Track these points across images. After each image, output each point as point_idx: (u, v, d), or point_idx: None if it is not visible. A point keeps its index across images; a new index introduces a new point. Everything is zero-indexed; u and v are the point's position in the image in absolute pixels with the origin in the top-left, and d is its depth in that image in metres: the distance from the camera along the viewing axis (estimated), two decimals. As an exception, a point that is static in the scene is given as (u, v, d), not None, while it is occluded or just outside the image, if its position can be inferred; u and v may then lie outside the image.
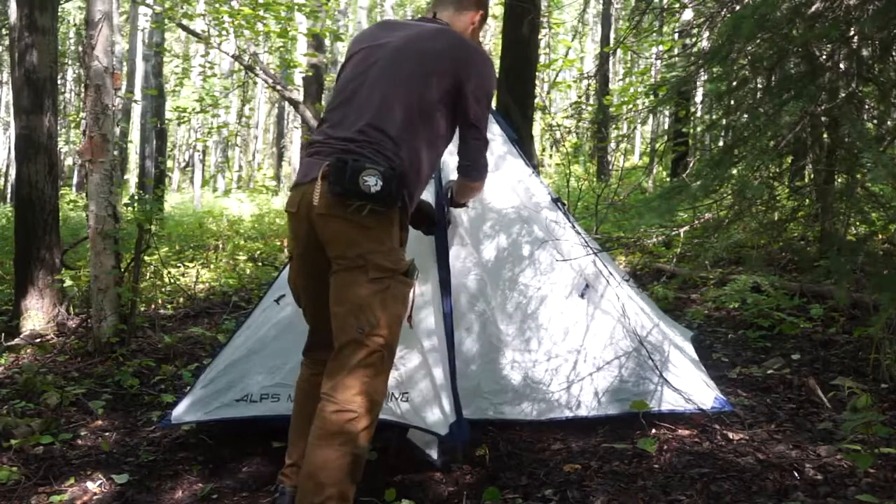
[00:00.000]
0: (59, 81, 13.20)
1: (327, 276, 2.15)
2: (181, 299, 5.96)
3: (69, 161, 21.85)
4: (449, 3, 2.42)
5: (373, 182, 2.00)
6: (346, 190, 2.01)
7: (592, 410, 2.87)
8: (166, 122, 12.77)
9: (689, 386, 2.96)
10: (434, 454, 2.58)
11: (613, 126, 9.67)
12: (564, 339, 2.97)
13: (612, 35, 13.47)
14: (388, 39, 2.27)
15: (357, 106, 2.17)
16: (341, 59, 20.14)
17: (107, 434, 3.19)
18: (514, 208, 3.13)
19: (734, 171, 2.27)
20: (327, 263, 2.14)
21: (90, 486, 2.69)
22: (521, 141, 3.84)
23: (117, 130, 5.12)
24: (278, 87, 8.11)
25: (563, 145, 9.53)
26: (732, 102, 2.40)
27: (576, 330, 3.00)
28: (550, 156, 14.05)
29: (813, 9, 1.53)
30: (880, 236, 4.23)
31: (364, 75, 2.22)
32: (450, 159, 2.66)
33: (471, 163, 2.38)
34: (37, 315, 4.84)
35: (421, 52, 2.22)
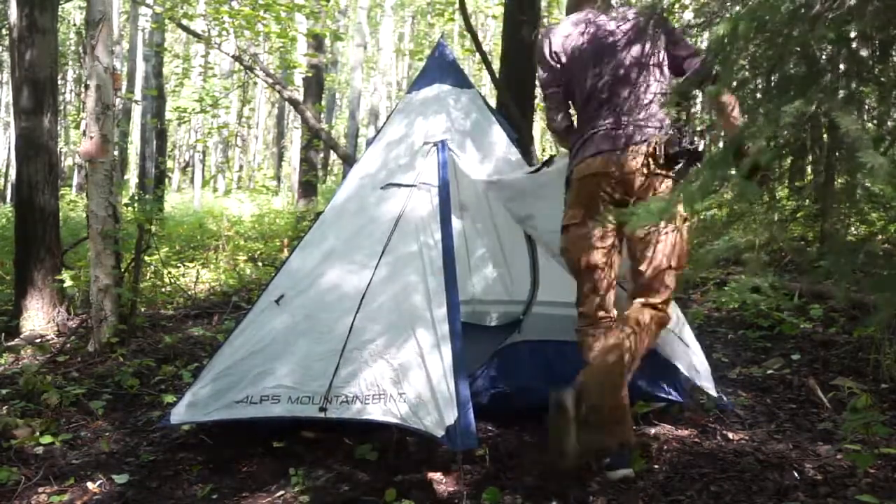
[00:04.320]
0: (59, 81, 13.19)
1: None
2: (181, 299, 5.95)
3: (69, 161, 21.83)
4: None
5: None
6: (677, 153, 2.46)
7: None
8: (166, 122, 12.76)
9: (694, 373, 2.96)
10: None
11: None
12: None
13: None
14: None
15: (625, 95, 2.60)
16: (341, 59, 19.91)
17: (107, 434, 3.19)
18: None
19: (734, 172, 2.26)
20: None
21: (90, 486, 2.69)
22: (522, 141, 3.84)
23: (117, 131, 5.12)
24: (278, 87, 8.11)
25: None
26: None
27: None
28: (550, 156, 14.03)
29: (814, 11, 1.52)
30: (880, 237, 4.23)
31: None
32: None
33: None
34: (37, 315, 4.84)
35: None
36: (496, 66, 5.40)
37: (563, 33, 2.74)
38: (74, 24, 19.81)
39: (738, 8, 1.89)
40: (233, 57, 8.27)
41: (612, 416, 2.41)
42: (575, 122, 2.81)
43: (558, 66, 2.75)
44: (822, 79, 1.55)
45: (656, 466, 2.56)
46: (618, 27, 2.67)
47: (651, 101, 2.59)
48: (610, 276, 2.63)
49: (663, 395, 3.01)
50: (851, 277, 1.65)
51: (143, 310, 5.32)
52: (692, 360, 2.95)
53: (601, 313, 2.64)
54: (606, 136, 2.58)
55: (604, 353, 2.48)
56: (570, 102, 2.83)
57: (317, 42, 10.34)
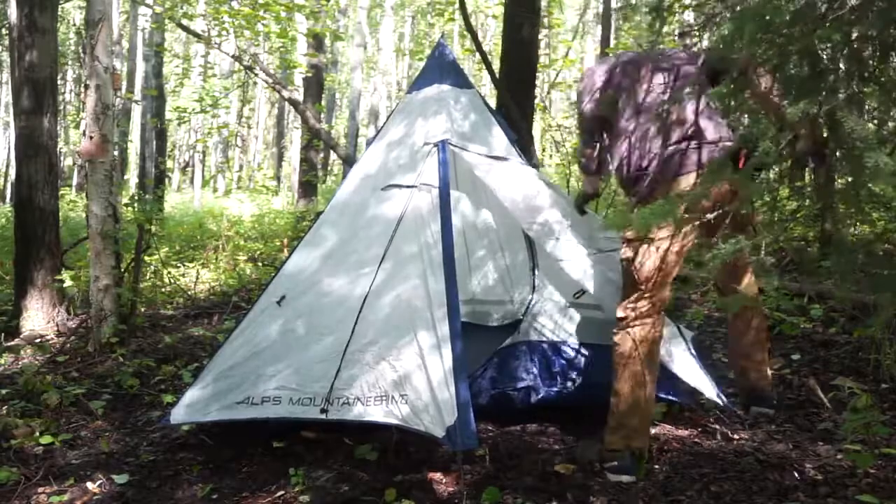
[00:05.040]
0: (59, 81, 13.17)
1: None
2: (181, 299, 5.95)
3: (69, 161, 21.81)
4: None
5: None
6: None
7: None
8: (166, 122, 12.74)
9: (692, 379, 2.95)
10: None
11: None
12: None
13: (612, 35, 13.44)
14: None
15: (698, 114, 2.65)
16: (341, 59, 19.90)
17: (107, 434, 3.19)
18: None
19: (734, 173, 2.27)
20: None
21: (90, 486, 2.69)
22: (522, 141, 3.84)
23: (117, 131, 5.12)
24: (278, 87, 8.11)
25: (563, 145, 9.52)
26: (733, 103, 2.40)
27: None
28: (550, 156, 14.04)
29: (816, 12, 1.53)
30: (882, 237, 4.22)
31: None
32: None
33: None
34: (37, 315, 4.84)
35: None
36: (496, 66, 5.40)
37: (612, 66, 2.81)
38: (74, 24, 19.78)
39: (739, 8, 1.89)
40: (233, 57, 8.28)
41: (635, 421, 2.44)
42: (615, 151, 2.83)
43: (606, 97, 2.78)
44: (824, 79, 1.55)
45: (656, 466, 2.56)
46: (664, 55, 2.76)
47: (713, 113, 2.64)
48: (668, 288, 2.64)
49: (663, 396, 3.01)
50: (852, 277, 1.66)
51: (143, 310, 5.32)
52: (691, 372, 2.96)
53: (639, 315, 2.60)
54: (697, 151, 2.59)
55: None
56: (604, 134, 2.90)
57: (317, 42, 10.33)
